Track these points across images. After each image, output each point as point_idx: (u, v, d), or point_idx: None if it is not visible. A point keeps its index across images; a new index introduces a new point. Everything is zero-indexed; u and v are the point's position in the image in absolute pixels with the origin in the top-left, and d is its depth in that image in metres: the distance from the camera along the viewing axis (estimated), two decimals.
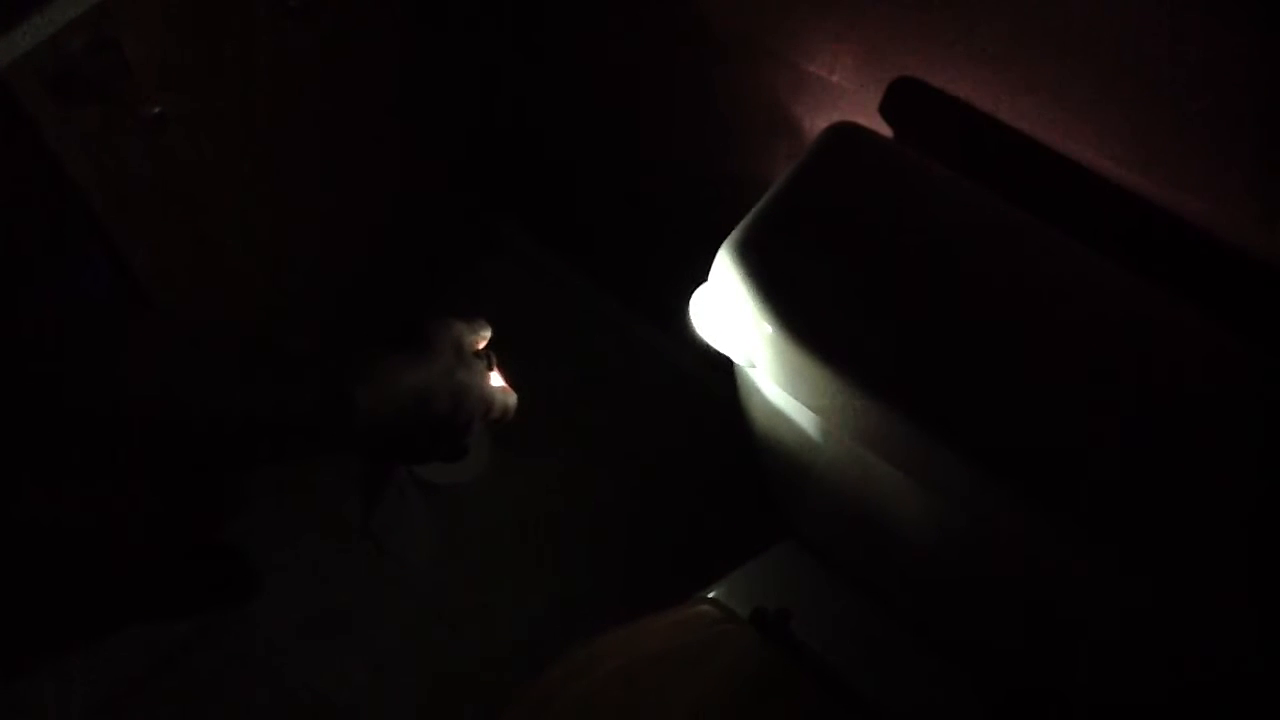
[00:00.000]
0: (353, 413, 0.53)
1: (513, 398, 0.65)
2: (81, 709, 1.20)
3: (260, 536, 1.29)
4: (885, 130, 0.76)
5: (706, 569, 0.93)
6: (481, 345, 0.65)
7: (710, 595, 0.88)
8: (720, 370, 0.76)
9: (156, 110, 0.78)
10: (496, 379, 0.66)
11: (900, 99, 0.73)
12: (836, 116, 0.74)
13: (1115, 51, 0.60)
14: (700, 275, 0.69)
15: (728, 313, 0.67)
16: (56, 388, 0.45)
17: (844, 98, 0.78)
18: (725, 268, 0.65)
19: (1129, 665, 0.69)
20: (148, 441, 0.48)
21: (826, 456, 0.76)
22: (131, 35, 0.75)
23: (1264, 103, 0.56)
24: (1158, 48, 0.58)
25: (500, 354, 0.68)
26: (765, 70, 0.82)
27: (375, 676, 1.24)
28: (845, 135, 0.69)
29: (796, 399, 0.69)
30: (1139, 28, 0.58)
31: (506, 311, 1.31)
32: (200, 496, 1.28)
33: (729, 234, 0.67)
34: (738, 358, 0.69)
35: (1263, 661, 0.57)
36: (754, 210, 0.67)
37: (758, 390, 0.74)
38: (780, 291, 0.64)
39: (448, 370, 0.59)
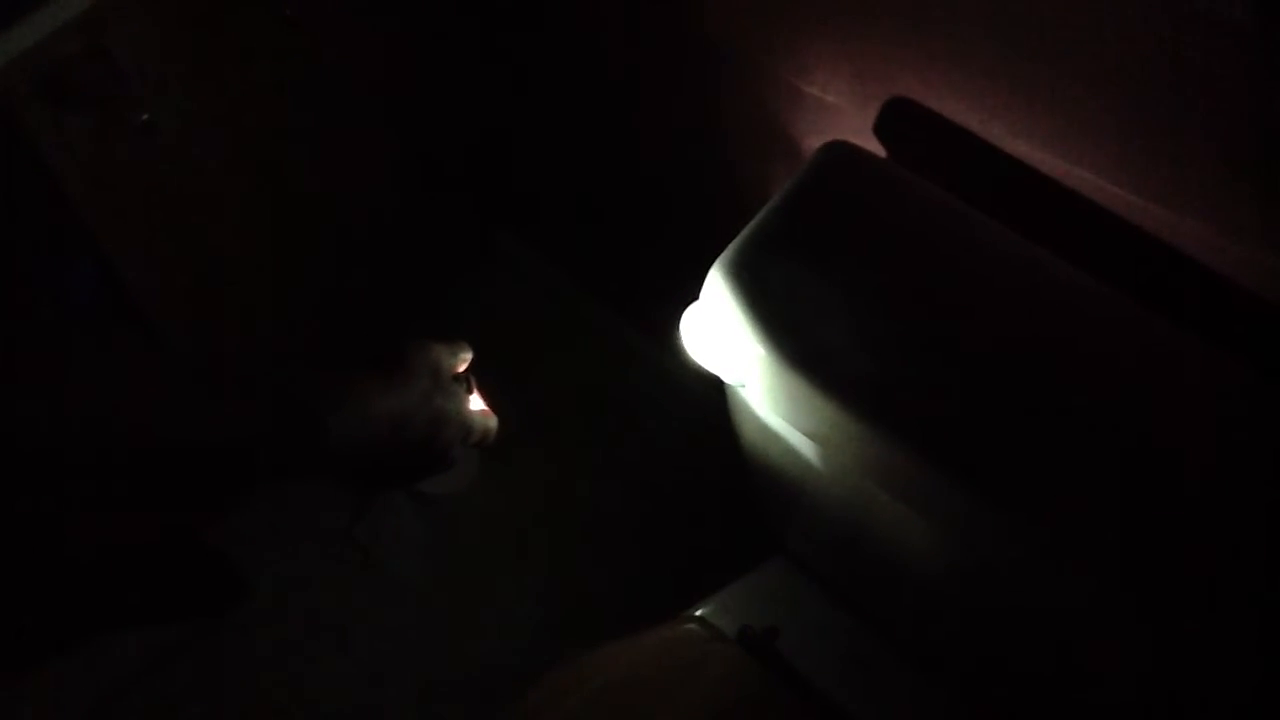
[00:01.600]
0: (324, 440, 0.52)
1: (493, 421, 0.65)
2: (78, 711, 1.19)
3: (251, 543, 1.29)
4: (880, 149, 0.75)
5: (698, 583, 0.92)
6: (462, 368, 0.64)
7: (697, 613, 0.87)
8: (713, 386, 0.76)
9: (146, 117, 0.78)
10: (477, 402, 0.66)
11: (895, 118, 0.73)
12: (832, 135, 0.74)
13: (1114, 66, 0.59)
14: (694, 292, 0.68)
15: (719, 332, 0.66)
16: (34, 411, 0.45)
17: (839, 117, 0.77)
18: (716, 286, 0.65)
19: (1125, 699, 0.68)
20: (113, 468, 0.47)
21: (817, 477, 0.76)
22: (124, 41, 0.75)
23: (1265, 116, 0.56)
24: (1157, 62, 0.57)
25: (489, 370, 0.68)
26: (760, 89, 0.82)
27: (363, 685, 1.23)
28: (839, 154, 0.69)
29: (786, 420, 0.68)
30: (1138, 42, 0.57)
31: (501, 323, 1.32)
32: (192, 504, 1.28)
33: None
34: (728, 377, 0.69)
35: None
36: (746, 229, 0.66)
37: (749, 409, 0.74)
38: (772, 311, 0.63)
39: (424, 395, 0.58)
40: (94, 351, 0.51)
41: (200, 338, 1.04)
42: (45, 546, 1.09)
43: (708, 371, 0.70)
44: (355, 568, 1.29)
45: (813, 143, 0.82)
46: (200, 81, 0.83)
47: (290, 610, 1.27)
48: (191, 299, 1.01)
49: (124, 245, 0.89)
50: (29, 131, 0.74)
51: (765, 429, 0.74)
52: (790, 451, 0.73)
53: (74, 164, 0.79)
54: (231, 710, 1.22)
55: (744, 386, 0.68)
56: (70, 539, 1.11)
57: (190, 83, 0.82)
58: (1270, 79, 0.54)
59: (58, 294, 0.92)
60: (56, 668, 1.21)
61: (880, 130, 0.74)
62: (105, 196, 0.83)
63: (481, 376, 0.68)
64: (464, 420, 0.62)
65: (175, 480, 0.52)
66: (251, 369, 0.54)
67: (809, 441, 0.69)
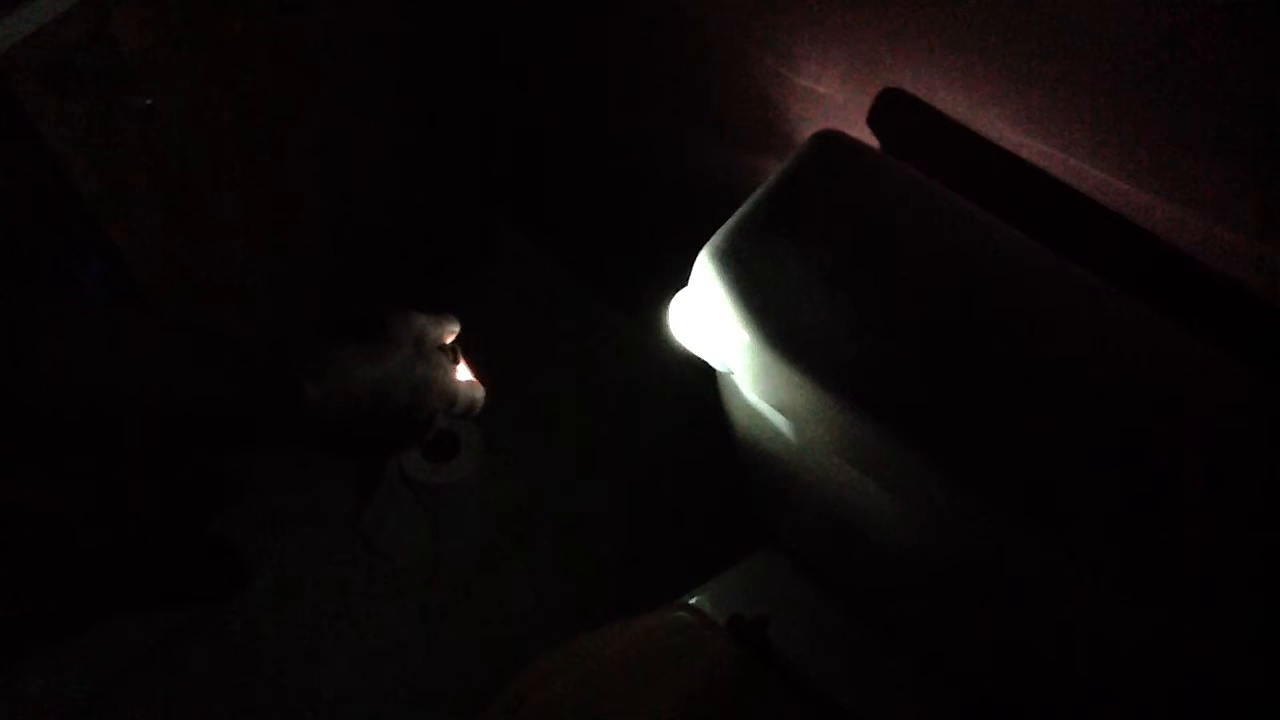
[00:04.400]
0: (301, 404, 0.52)
1: (480, 391, 0.64)
2: (79, 695, 1.21)
3: (253, 531, 1.30)
4: (872, 139, 0.75)
5: (693, 573, 0.92)
6: (449, 340, 0.64)
7: (689, 601, 0.88)
8: (705, 375, 0.76)
9: (148, 102, 0.79)
10: (464, 372, 0.66)
11: (887, 109, 0.73)
12: (825, 126, 0.74)
13: (1111, 59, 0.59)
14: (687, 280, 0.68)
15: (706, 318, 0.67)
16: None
17: (832, 108, 0.78)
18: (704, 273, 0.65)
19: (1106, 686, 0.68)
20: (90, 430, 0.47)
21: (806, 465, 0.76)
22: (126, 27, 0.76)
23: (1264, 112, 0.55)
24: (1155, 55, 0.57)
25: (487, 362, 0.67)
26: (755, 82, 0.82)
27: (363, 672, 1.24)
28: (828, 143, 0.69)
29: (774, 407, 0.68)
30: (1135, 35, 0.57)
31: (499, 315, 1.33)
32: (195, 489, 1.29)
33: None
34: (716, 363, 0.69)
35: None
36: (734, 215, 0.67)
37: (738, 396, 0.74)
38: (757, 297, 0.63)
39: (407, 363, 0.57)
40: (90, 322, 0.50)
41: (199, 312, 1.05)
42: (50, 532, 1.11)
43: (698, 358, 0.70)
44: (357, 556, 1.30)
45: (806, 134, 0.82)
46: (201, 67, 0.84)
47: (292, 598, 1.28)
48: (193, 284, 1.02)
49: (127, 230, 0.90)
50: (33, 117, 0.75)
51: (753, 415, 0.74)
52: (779, 438, 0.74)
53: (77, 149, 0.80)
54: (232, 696, 1.23)
55: (731, 372, 0.68)
56: (74, 524, 1.13)
57: (191, 68, 0.83)
58: (1266, 65, 0.54)
59: (66, 277, 0.93)
60: (59, 651, 1.22)
61: (871, 120, 0.75)
62: (108, 181, 0.84)
63: (481, 368, 0.68)
64: (448, 389, 0.61)
65: (155, 443, 0.51)
66: (233, 337, 0.53)
67: (796, 427, 0.70)
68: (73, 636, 1.23)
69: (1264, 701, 0.56)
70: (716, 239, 0.66)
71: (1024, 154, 0.68)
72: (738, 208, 0.68)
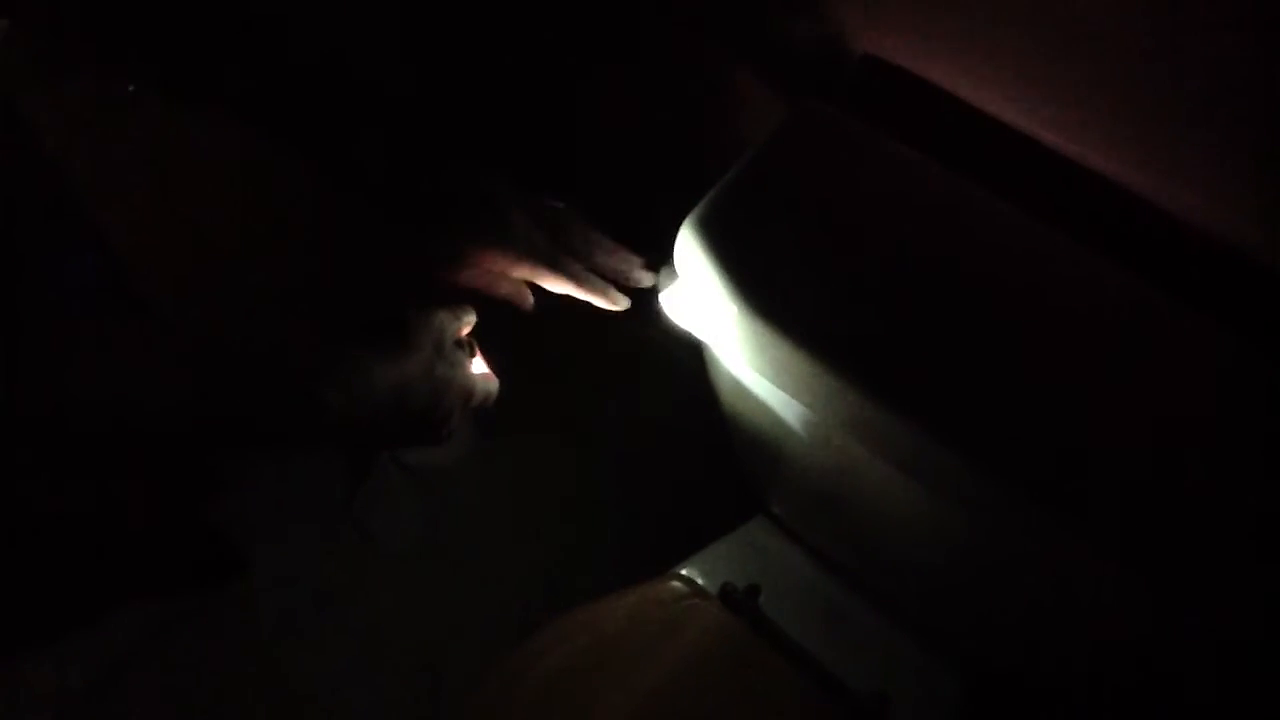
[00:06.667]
0: (324, 413, 0.52)
1: (494, 383, 0.65)
2: (80, 682, 1.21)
3: (247, 517, 1.30)
4: (858, 110, 0.76)
5: (690, 544, 0.93)
6: (465, 332, 0.64)
7: (681, 571, 0.89)
8: (696, 351, 0.77)
9: (132, 89, 0.79)
10: (479, 365, 0.66)
11: (873, 80, 0.73)
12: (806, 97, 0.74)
13: (1106, 35, 0.59)
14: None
15: (692, 289, 0.67)
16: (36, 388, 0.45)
17: (816, 80, 0.78)
18: (687, 243, 0.66)
19: (1102, 654, 0.69)
20: (110, 440, 0.47)
21: (796, 435, 0.77)
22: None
23: (1262, 93, 0.55)
24: (1151, 35, 0.57)
25: (486, 338, 0.68)
26: (740, 52, 0.83)
27: (359, 655, 1.25)
28: (810, 113, 0.69)
29: (761, 376, 0.69)
30: (1133, 14, 0.57)
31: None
32: (190, 477, 1.29)
33: None
34: (703, 334, 0.70)
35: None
36: (717, 186, 0.67)
37: (725, 368, 0.75)
38: (742, 268, 0.64)
39: (426, 366, 0.58)
40: (95, 327, 0.51)
41: (200, 316, 1.04)
42: (43, 522, 1.11)
43: (688, 332, 0.71)
44: (351, 542, 1.31)
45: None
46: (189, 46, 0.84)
47: (287, 584, 1.28)
48: (189, 277, 1.01)
49: (118, 221, 0.90)
50: (18, 104, 0.75)
51: (742, 387, 0.75)
52: (767, 409, 0.75)
53: (66, 137, 0.79)
54: (229, 683, 1.24)
55: (718, 343, 0.69)
56: (68, 513, 1.13)
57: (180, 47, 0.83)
58: (1264, 42, 0.54)
59: (59, 272, 0.92)
60: (57, 642, 1.23)
61: (859, 91, 0.75)
62: (97, 170, 0.84)
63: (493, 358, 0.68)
64: (466, 387, 0.62)
65: (174, 455, 0.52)
66: (252, 343, 0.54)
67: (783, 397, 0.70)
68: (77, 625, 1.23)
69: (1268, 685, 0.56)
70: (698, 209, 0.66)
71: (1005, 121, 0.68)
72: None
